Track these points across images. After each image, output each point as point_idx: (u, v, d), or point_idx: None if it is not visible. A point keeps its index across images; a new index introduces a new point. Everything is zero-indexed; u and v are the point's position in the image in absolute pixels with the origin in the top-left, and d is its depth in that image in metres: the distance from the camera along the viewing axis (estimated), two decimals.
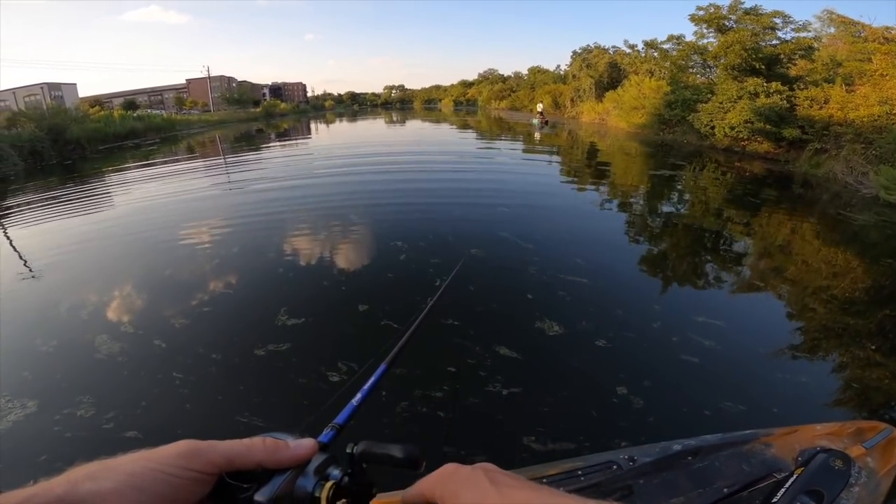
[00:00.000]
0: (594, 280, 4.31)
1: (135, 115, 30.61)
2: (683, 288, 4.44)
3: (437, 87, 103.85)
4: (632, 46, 29.61)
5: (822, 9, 14.05)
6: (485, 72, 77.60)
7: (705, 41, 18.67)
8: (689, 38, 19.85)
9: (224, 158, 15.65)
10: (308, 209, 7.05)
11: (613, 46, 33.21)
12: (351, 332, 3.40)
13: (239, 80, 68.66)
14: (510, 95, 54.83)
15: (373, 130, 27.76)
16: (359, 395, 0.51)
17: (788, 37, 15.97)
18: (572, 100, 34.63)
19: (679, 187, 9.51)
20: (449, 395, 2.63)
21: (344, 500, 0.40)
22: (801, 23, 15.70)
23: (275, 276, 4.48)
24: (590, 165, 12.18)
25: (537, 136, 20.64)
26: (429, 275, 4.38)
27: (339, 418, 0.48)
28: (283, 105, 59.35)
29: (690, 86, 18.76)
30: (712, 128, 15.63)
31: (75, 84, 48.16)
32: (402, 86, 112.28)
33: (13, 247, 6.02)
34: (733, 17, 17.02)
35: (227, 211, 7.26)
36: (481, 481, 0.35)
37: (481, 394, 2.65)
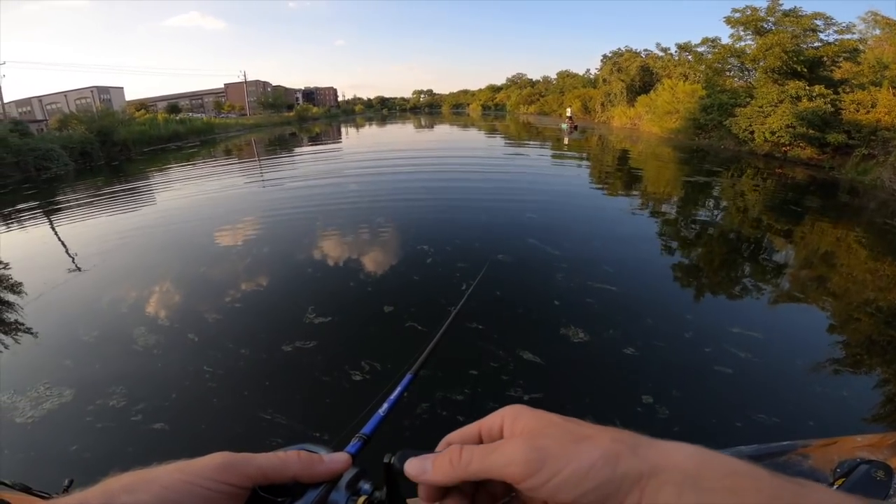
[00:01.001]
0: (624, 288, 4.20)
1: (177, 118, 32.05)
2: (718, 298, 4.27)
3: (465, 92, 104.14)
4: (664, 50, 29.05)
5: (866, 10, 13.42)
6: (513, 76, 77.60)
7: (742, 44, 18.06)
8: (725, 40, 19.28)
9: (259, 161, 16.15)
10: (337, 212, 7.18)
11: (645, 50, 32.65)
12: (376, 333, 3.43)
13: (273, 84, 70.82)
14: (539, 100, 54.48)
15: (402, 135, 28.09)
16: (385, 406, 0.50)
17: (831, 39, 15.28)
18: (602, 104, 34.08)
19: (715, 194, 9.19)
20: (470, 399, 2.62)
21: None
22: (844, 24, 15.02)
23: (304, 276, 4.58)
24: (621, 171, 11.94)
25: (566, 141, 20.39)
26: (455, 279, 4.38)
27: (367, 428, 0.47)
28: (315, 109, 60.94)
29: (727, 89, 18.16)
30: (751, 133, 15.06)
31: (122, 88, 50.81)
32: (431, 90, 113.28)
33: (62, 242, 6.40)
34: (772, 19, 16.41)
35: (260, 212, 7.49)
36: (552, 415, 0.33)
37: (502, 398, 2.62)
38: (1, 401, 2.70)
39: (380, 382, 2.75)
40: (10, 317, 3.95)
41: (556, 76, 56.07)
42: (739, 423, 2.41)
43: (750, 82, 17.93)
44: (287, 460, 0.38)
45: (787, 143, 13.81)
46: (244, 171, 13.49)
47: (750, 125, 15.11)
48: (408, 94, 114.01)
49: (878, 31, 13.22)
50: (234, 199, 8.88)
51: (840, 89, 13.09)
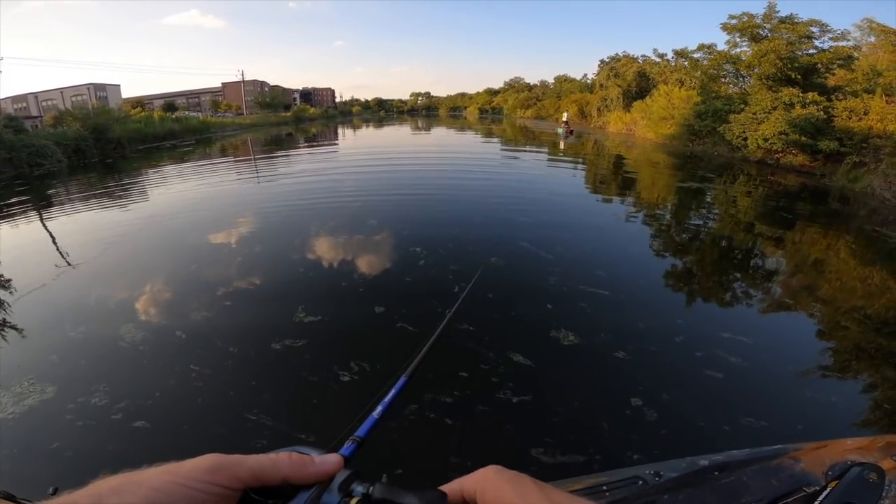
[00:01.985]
0: (616, 292, 4.21)
1: (173, 116, 31.86)
2: (709, 303, 4.29)
3: (463, 95, 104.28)
4: (661, 55, 29.20)
5: (862, 17, 13.58)
6: (510, 80, 77.59)
7: (738, 50, 18.21)
8: (721, 47, 19.42)
9: (254, 161, 16.09)
10: (331, 212, 7.16)
11: (642, 55, 32.86)
12: (366, 334, 3.41)
13: (271, 84, 70.65)
14: (536, 104, 54.61)
15: (398, 137, 28.11)
16: (379, 408, 0.50)
17: (826, 46, 15.43)
18: (599, 109, 34.23)
19: (708, 200, 9.25)
20: (459, 401, 2.61)
21: None
22: (839, 31, 15.18)
23: (295, 275, 4.55)
24: (615, 176, 11.99)
25: (562, 145, 20.48)
26: (447, 281, 4.37)
27: (360, 431, 0.47)
28: (312, 110, 60.74)
29: (722, 96, 18.30)
30: (745, 139, 15.18)
31: (119, 85, 50.48)
32: (428, 93, 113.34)
33: (52, 238, 6.33)
34: (768, 26, 16.56)
35: (253, 211, 7.45)
36: (527, 483, 0.36)
37: (491, 401, 2.61)
38: None
39: (369, 383, 2.73)
40: None
41: (553, 80, 56.27)
42: (729, 428, 2.41)
43: (745, 89, 18.06)
44: (278, 462, 0.38)
45: (779, 149, 13.93)
46: (239, 170, 13.44)
47: (743, 132, 15.22)
48: (406, 97, 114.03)
49: (872, 39, 13.37)
50: (227, 197, 8.84)
51: (833, 96, 13.22)
